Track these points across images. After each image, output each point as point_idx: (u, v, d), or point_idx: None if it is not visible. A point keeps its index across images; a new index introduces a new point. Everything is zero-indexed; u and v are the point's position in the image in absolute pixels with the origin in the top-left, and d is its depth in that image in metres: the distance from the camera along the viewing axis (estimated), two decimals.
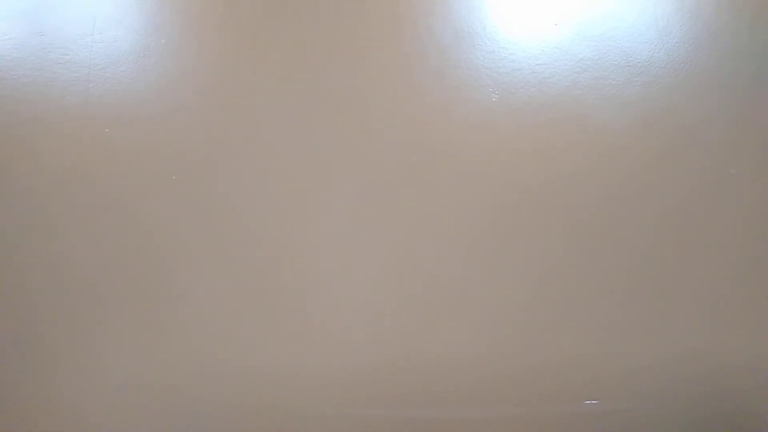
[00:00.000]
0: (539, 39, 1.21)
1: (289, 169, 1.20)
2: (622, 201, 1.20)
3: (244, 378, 1.19)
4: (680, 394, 1.20)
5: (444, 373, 1.20)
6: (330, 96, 1.20)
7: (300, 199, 1.20)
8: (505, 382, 1.20)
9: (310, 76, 1.20)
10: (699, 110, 1.20)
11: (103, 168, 1.18)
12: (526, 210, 1.20)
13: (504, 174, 1.20)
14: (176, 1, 1.21)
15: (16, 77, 1.18)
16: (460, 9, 1.21)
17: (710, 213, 1.20)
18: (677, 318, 1.20)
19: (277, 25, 1.21)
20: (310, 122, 1.20)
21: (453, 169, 1.20)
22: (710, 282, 1.20)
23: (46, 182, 1.18)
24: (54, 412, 1.18)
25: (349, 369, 1.20)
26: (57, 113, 1.17)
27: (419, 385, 1.20)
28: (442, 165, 1.20)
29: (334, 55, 1.21)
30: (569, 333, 1.20)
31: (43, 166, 1.18)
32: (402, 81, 1.20)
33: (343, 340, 1.20)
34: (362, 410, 1.19)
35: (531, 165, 1.20)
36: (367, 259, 1.20)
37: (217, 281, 1.19)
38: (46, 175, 1.18)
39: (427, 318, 1.20)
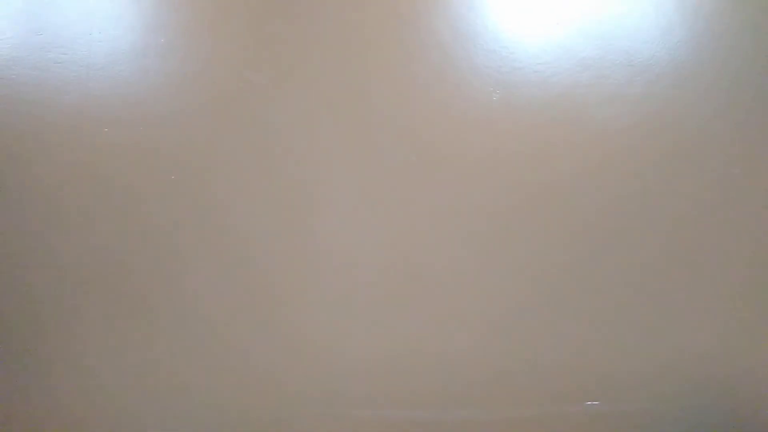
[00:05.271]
0: (540, 38, 1.20)
1: (288, 169, 1.19)
2: (623, 200, 1.19)
3: (242, 378, 1.19)
4: (681, 397, 1.19)
5: (443, 373, 1.20)
6: (330, 95, 1.20)
7: (299, 199, 1.19)
8: (506, 383, 1.20)
9: (309, 75, 1.20)
10: (702, 109, 1.20)
11: (102, 168, 1.18)
12: (527, 209, 1.19)
13: (504, 173, 1.19)
14: (176, 1, 1.21)
15: (15, 76, 1.17)
16: (461, 7, 1.20)
17: (713, 214, 1.20)
18: (679, 320, 1.20)
19: (277, 25, 1.21)
20: (310, 121, 1.20)
21: (453, 169, 1.19)
22: (714, 284, 1.20)
23: (44, 182, 1.17)
24: (54, 412, 1.18)
25: (350, 369, 1.20)
26: (55, 113, 1.17)
27: (419, 386, 1.20)
28: (443, 164, 1.19)
29: (334, 54, 1.20)
30: (570, 334, 1.20)
31: (41, 166, 1.17)
32: (402, 80, 1.20)
33: (343, 340, 1.19)
34: (362, 411, 1.19)
35: (532, 164, 1.19)
36: (367, 258, 1.20)
37: (216, 281, 1.19)
38: (44, 175, 1.17)
39: (426, 318, 1.20)
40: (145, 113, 1.18)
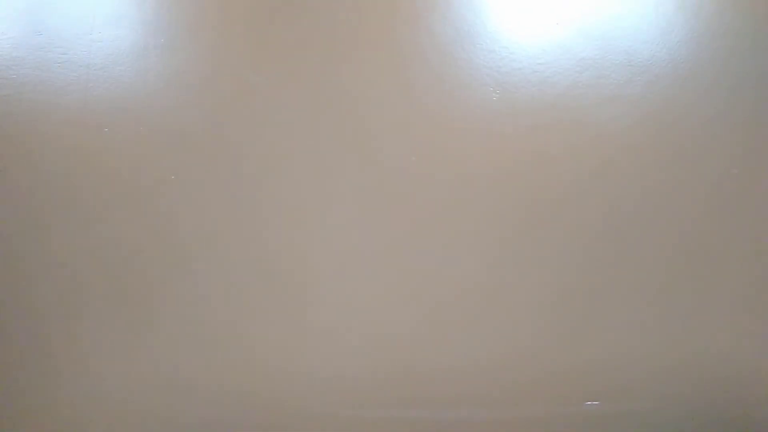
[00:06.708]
0: (540, 38, 1.20)
1: (288, 169, 1.19)
2: (623, 201, 1.19)
3: (244, 378, 1.19)
4: (682, 397, 1.19)
5: (445, 375, 1.20)
6: (330, 95, 1.20)
7: (300, 200, 1.19)
8: (506, 383, 1.20)
9: (309, 75, 1.20)
10: (701, 109, 1.20)
11: (102, 168, 1.18)
12: (528, 209, 1.19)
13: (505, 172, 1.19)
14: (176, 1, 1.21)
15: (15, 77, 1.17)
16: (461, 8, 1.20)
17: (713, 214, 1.20)
18: (681, 320, 1.19)
19: (277, 25, 1.21)
20: (310, 122, 1.20)
21: (453, 169, 1.19)
22: (716, 284, 1.20)
23: (45, 182, 1.17)
24: (54, 412, 1.18)
25: (352, 370, 1.19)
26: (56, 113, 1.17)
27: (421, 387, 1.20)
28: (443, 164, 1.19)
29: (334, 54, 1.20)
30: (570, 335, 1.20)
31: (41, 165, 1.17)
32: (402, 80, 1.20)
33: (345, 341, 1.19)
34: (364, 411, 1.19)
35: (532, 163, 1.19)
36: (368, 259, 1.19)
37: (217, 281, 1.19)
38: (44, 175, 1.17)
39: (426, 320, 1.20)
40: (145, 113, 1.18)
